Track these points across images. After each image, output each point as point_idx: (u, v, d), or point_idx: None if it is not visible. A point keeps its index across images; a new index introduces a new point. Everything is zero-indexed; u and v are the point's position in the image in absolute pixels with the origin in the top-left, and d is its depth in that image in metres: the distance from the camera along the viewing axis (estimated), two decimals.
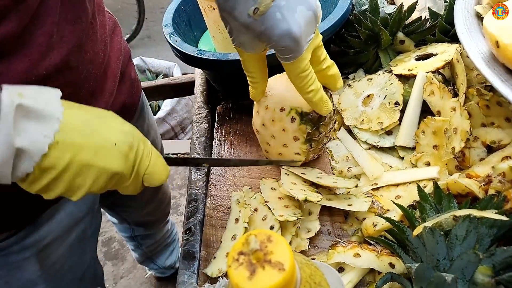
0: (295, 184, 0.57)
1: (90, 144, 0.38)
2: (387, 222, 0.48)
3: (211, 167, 0.68)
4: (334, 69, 0.52)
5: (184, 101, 2.03)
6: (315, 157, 0.63)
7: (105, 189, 0.42)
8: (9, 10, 0.38)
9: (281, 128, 0.57)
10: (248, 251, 0.25)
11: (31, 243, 0.56)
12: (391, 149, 0.64)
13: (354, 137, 0.66)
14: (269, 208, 0.55)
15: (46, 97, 0.37)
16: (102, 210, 0.92)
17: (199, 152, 0.73)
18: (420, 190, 0.47)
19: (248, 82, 0.54)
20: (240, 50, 0.49)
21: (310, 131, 0.56)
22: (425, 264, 0.41)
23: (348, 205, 0.55)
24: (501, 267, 0.39)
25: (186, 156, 0.50)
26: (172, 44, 0.71)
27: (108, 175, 0.40)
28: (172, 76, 2.13)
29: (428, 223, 0.42)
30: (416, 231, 0.42)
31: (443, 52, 0.65)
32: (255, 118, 0.61)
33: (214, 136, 0.73)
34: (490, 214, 0.40)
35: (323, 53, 0.50)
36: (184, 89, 1.15)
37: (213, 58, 0.66)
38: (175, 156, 0.50)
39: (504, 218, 0.40)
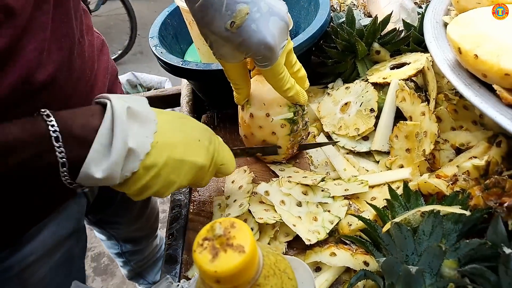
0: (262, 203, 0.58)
1: (181, 141, 0.43)
2: (361, 222, 0.50)
3: None
4: (303, 72, 0.56)
5: None
6: (294, 152, 0.66)
7: (188, 184, 0.46)
8: (0, 24, 0.38)
9: (271, 132, 0.60)
10: (213, 237, 0.27)
11: (13, 263, 0.56)
12: (368, 154, 0.66)
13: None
14: (250, 212, 0.57)
15: (141, 102, 0.42)
16: (90, 227, 0.92)
17: None
18: (391, 190, 0.49)
19: (233, 88, 0.57)
20: (222, 61, 0.52)
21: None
22: (392, 258, 0.42)
23: (325, 210, 0.56)
24: (465, 261, 0.41)
25: (242, 147, 0.62)
26: (158, 55, 0.74)
27: (196, 169, 0.44)
28: None
29: (396, 219, 0.44)
30: (385, 228, 0.44)
31: (416, 61, 0.68)
32: (243, 128, 0.64)
33: None
34: (453, 209, 0.42)
35: (294, 57, 0.54)
36: (172, 100, 1.17)
37: (196, 68, 0.68)
38: (235, 148, 0.57)
39: (467, 212, 0.42)
